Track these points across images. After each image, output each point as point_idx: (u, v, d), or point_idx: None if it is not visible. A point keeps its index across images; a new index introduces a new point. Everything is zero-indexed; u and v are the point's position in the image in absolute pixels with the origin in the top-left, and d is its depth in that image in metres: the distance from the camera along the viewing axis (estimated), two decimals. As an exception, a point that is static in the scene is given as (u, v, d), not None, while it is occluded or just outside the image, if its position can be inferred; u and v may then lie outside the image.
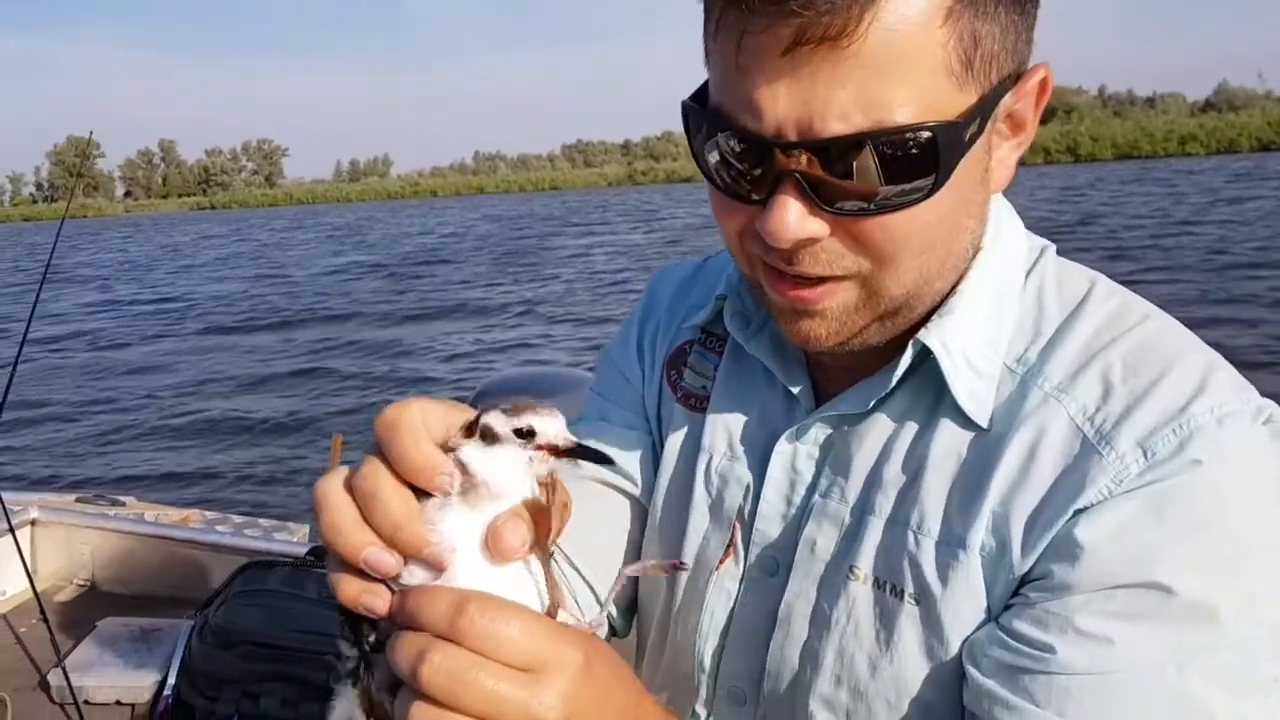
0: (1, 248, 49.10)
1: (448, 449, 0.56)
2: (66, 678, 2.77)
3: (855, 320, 0.74)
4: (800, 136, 0.64)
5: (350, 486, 0.56)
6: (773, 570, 0.84)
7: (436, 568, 0.55)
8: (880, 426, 0.81)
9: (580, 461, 0.61)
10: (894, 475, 0.78)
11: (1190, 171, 44.94)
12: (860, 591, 0.78)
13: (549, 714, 0.53)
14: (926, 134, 0.64)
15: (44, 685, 2.99)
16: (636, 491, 0.96)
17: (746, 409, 0.90)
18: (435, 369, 11.71)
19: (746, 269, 0.78)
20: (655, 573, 0.64)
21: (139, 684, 2.93)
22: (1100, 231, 20.86)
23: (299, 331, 15.07)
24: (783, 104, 0.64)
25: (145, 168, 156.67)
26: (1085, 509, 0.69)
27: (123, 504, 3.89)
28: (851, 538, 0.79)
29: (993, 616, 0.72)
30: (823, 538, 0.81)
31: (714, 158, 0.71)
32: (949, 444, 0.76)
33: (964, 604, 0.73)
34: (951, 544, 0.74)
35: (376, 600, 0.55)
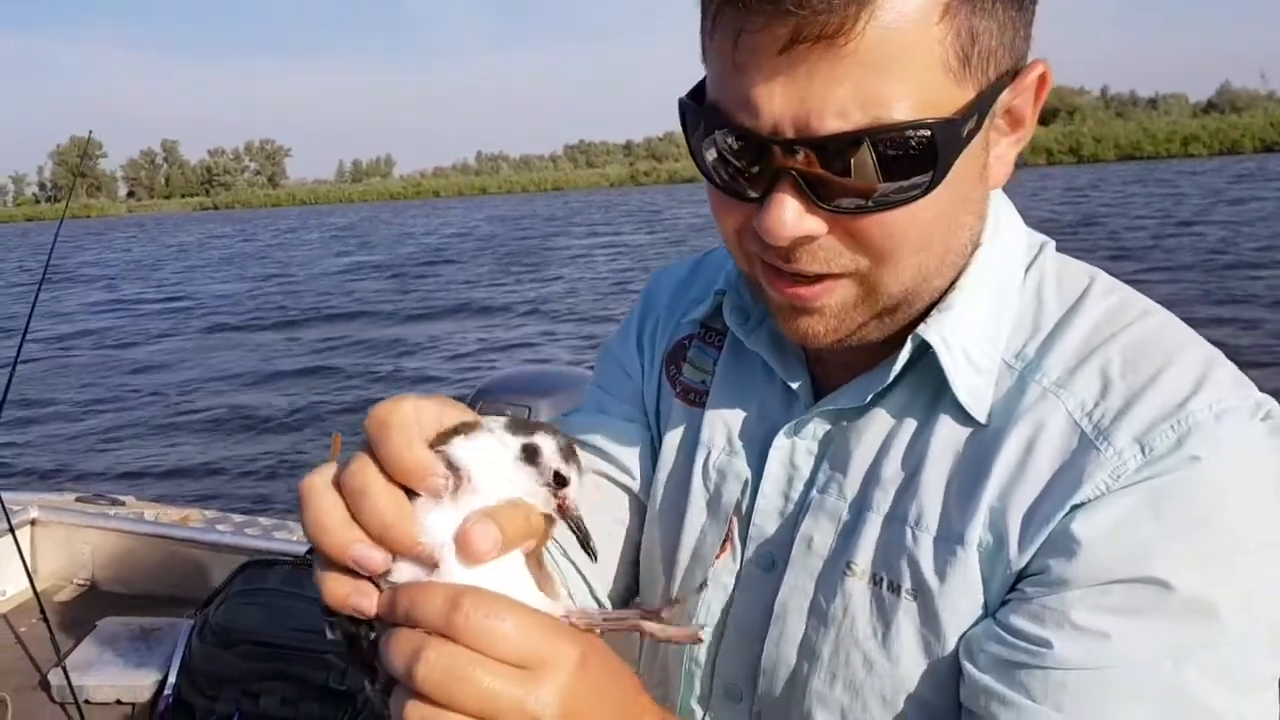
0: (7, 248, 49.10)
1: (437, 447, 0.56)
2: (67, 677, 2.77)
3: (854, 317, 0.74)
4: (797, 134, 0.64)
5: (338, 484, 0.55)
6: (768, 566, 0.84)
7: (428, 565, 0.55)
8: (879, 422, 0.80)
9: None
10: (892, 471, 0.78)
11: (1193, 172, 44.89)
12: (857, 587, 0.77)
13: (545, 711, 0.53)
14: (924, 131, 0.63)
15: (44, 685, 2.99)
16: (634, 486, 0.96)
17: (745, 404, 0.90)
18: (437, 368, 11.73)
19: (745, 266, 0.78)
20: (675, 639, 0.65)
21: (139, 683, 2.93)
22: (1102, 232, 20.86)
23: (302, 331, 15.09)
24: (779, 102, 0.64)
25: (148, 168, 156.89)
26: (1083, 504, 0.69)
27: (122, 503, 3.89)
28: (849, 533, 0.79)
29: (990, 612, 0.72)
30: (820, 533, 0.81)
31: (711, 155, 0.71)
32: (947, 439, 0.76)
33: (961, 600, 0.73)
34: (950, 540, 0.73)
35: (366, 600, 0.55)
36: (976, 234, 0.77)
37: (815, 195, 0.66)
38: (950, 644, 0.73)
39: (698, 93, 0.73)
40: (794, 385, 0.86)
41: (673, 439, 0.94)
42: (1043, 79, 0.71)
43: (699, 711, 0.89)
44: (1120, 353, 0.74)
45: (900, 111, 0.63)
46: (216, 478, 7.82)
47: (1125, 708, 0.66)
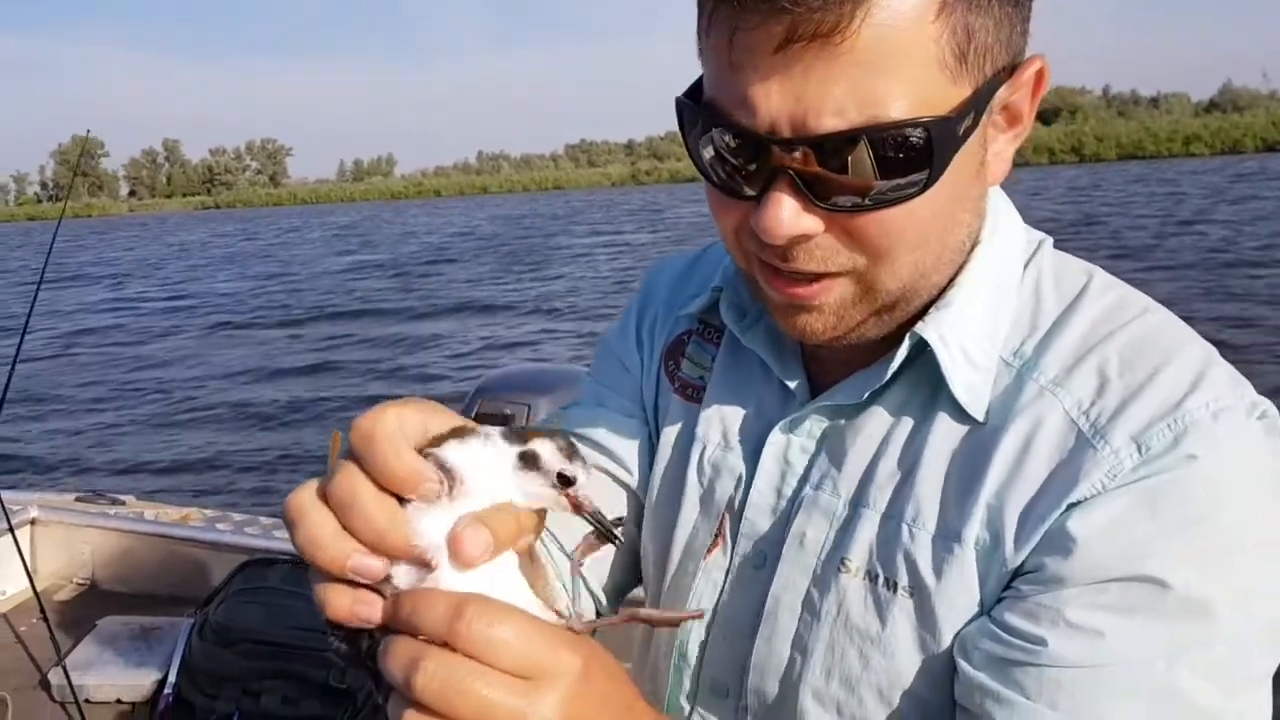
0: (9, 248, 49.16)
1: (424, 452, 0.55)
2: (67, 676, 2.77)
3: (852, 315, 0.74)
4: (794, 133, 0.64)
5: (325, 496, 0.55)
6: (760, 562, 0.84)
7: (425, 568, 0.54)
8: (876, 419, 0.80)
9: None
10: (889, 469, 0.78)
11: (1194, 172, 44.90)
12: (852, 584, 0.77)
13: None
14: (920, 129, 0.63)
15: (44, 684, 3.00)
16: (633, 481, 0.96)
17: (742, 400, 0.90)
18: (438, 366, 11.74)
19: (743, 264, 0.78)
20: (661, 623, 0.65)
21: (139, 682, 2.94)
22: (1104, 231, 20.86)
23: (303, 329, 15.11)
24: (776, 100, 0.63)
25: (149, 167, 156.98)
26: (1079, 503, 0.69)
27: (122, 502, 3.89)
28: (844, 531, 0.79)
29: (985, 610, 0.72)
30: (813, 530, 0.81)
31: (708, 153, 0.70)
32: (945, 437, 0.76)
33: (958, 598, 0.73)
34: (947, 538, 0.73)
35: (370, 609, 0.55)
36: (974, 231, 0.77)
37: (812, 194, 0.66)
38: (946, 641, 0.73)
39: (695, 91, 0.72)
40: (791, 383, 0.86)
41: (670, 434, 0.94)
42: (1040, 74, 0.71)
43: (686, 708, 0.89)
44: (1118, 351, 0.74)
45: (897, 110, 0.63)
46: (217, 476, 7.84)
47: (1119, 705, 0.66)
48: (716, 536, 0.87)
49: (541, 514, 0.60)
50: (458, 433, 0.57)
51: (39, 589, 3.03)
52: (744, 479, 0.86)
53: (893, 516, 0.77)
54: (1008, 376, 0.76)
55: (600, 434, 0.96)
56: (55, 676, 2.89)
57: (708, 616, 0.87)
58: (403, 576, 0.55)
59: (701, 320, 0.96)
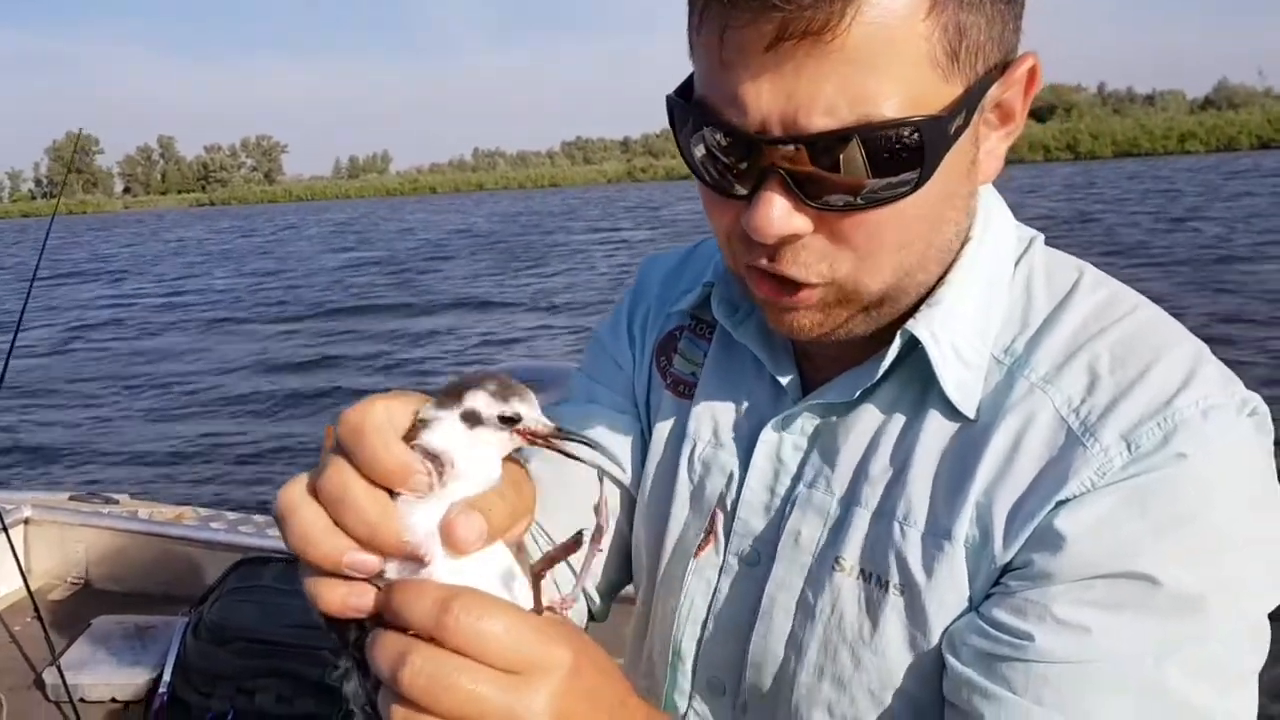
0: (6, 244, 48.98)
1: (410, 439, 0.55)
2: (61, 676, 2.77)
3: (837, 313, 0.74)
4: (784, 132, 0.64)
5: (315, 491, 0.54)
6: (754, 561, 0.84)
7: (418, 561, 0.54)
8: (867, 417, 0.80)
9: (562, 445, 0.59)
10: (881, 466, 0.78)
11: (1190, 169, 44.96)
12: (846, 583, 0.77)
13: (535, 719, 0.52)
14: (911, 128, 0.63)
15: (39, 684, 2.99)
16: (626, 478, 0.95)
17: (734, 397, 0.89)
18: (436, 362, 11.72)
19: (732, 263, 0.77)
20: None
21: (134, 681, 2.93)
22: (1099, 228, 20.89)
23: (300, 326, 15.06)
24: (766, 99, 0.63)
25: (144, 164, 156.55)
26: (1068, 500, 0.69)
27: (116, 502, 3.88)
28: (838, 529, 0.79)
29: (975, 607, 0.72)
30: (807, 528, 0.81)
31: (700, 152, 0.70)
32: (936, 435, 0.76)
33: (948, 595, 0.73)
34: (937, 535, 0.73)
35: (364, 599, 0.54)
36: (963, 229, 0.76)
37: (803, 193, 0.66)
38: (936, 639, 0.73)
39: (685, 89, 0.72)
40: (783, 379, 0.85)
41: (662, 431, 0.93)
42: (1033, 72, 0.70)
43: (681, 704, 0.89)
44: (1108, 348, 0.74)
45: (888, 108, 0.62)
46: (215, 470, 7.82)
47: (1106, 701, 0.66)
48: (708, 534, 0.87)
49: (531, 496, 0.59)
50: (422, 423, 0.56)
51: (33, 588, 3.02)
52: (736, 476, 0.86)
53: (884, 514, 0.77)
54: (998, 374, 0.76)
55: (592, 430, 0.95)
56: (50, 676, 2.89)
57: (702, 614, 0.87)
58: (396, 569, 0.54)
59: (693, 316, 0.96)
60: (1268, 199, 25.43)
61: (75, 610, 3.39)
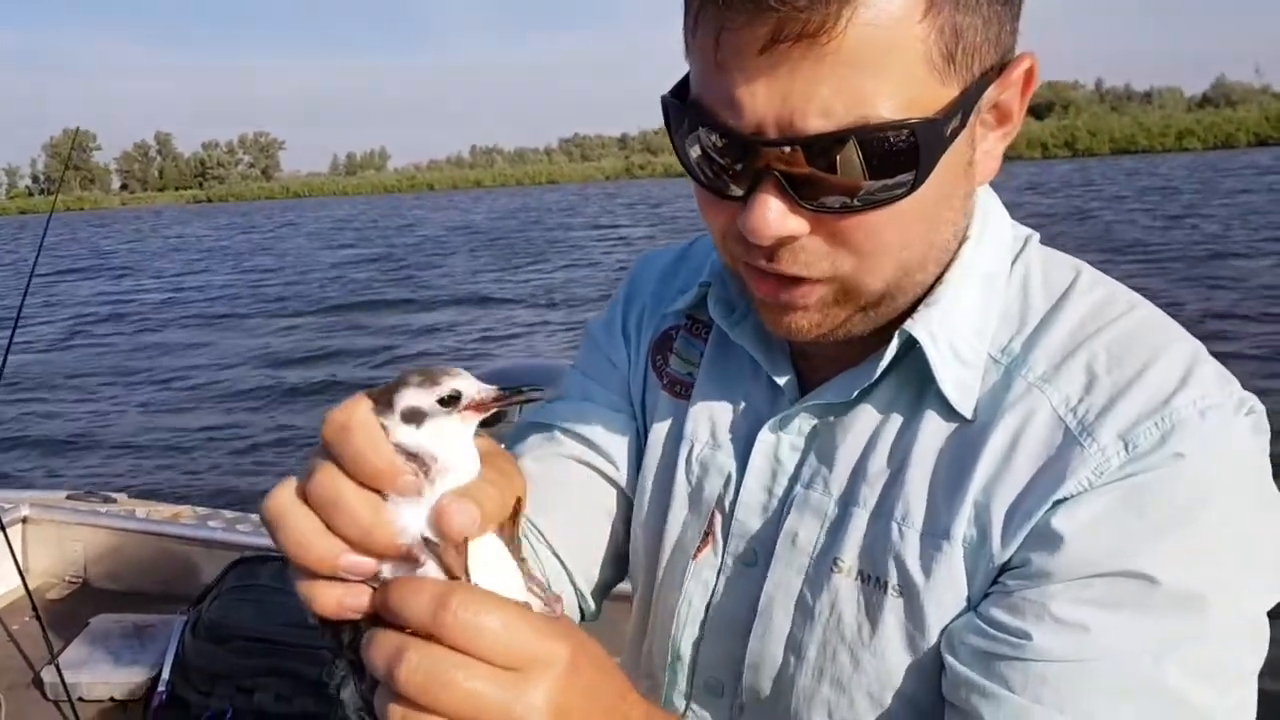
0: (3, 239, 48.88)
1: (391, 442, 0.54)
2: (60, 675, 2.77)
3: (836, 313, 0.74)
4: (780, 133, 0.64)
5: (304, 495, 0.54)
6: (752, 561, 0.84)
7: (413, 562, 0.54)
8: (865, 417, 0.80)
9: (520, 407, 0.58)
10: (879, 467, 0.78)
11: (1187, 166, 44.98)
12: (844, 584, 0.77)
13: (533, 715, 0.52)
14: (907, 131, 0.63)
15: (38, 683, 2.99)
16: (621, 478, 0.95)
17: (731, 397, 0.89)
18: (435, 359, 11.70)
19: (729, 262, 0.77)
20: None
21: (133, 680, 2.93)
22: (1097, 225, 20.90)
23: (298, 323, 15.03)
24: (762, 101, 0.63)
25: (141, 160, 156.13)
26: (1065, 500, 0.69)
27: (114, 500, 3.88)
28: (835, 530, 0.79)
29: (973, 606, 0.72)
30: (805, 529, 0.80)
31: (695, 153, 0.70)
32: (933, 435, 0.76)
33: (946, 595, 0.73)
34: (935, 535, 0.73)
35: (359, 600, 0.54)
36: (960, 229, 0.76)
37: (798, 195, 0.66)
38: (935, 639, 0.73)
39: (681, 89, 0.72)
40: (780, 379, 0.85)
41: (659, 431, 0.93)
42: (1030, 72, 0.70)
43: (680, 705, 0.89)
44: (1106, 348, 0.74)
45: (884, 110, 0.62)
46: (212, 468, 7.82)
47: (1105, 700, 0.66)
48: (706, 535, 0.87)
49: (522, 485, 0.59)
50: (405, 417, 0.55)
51: (31, 587, 3.02)
52: (733, 477, 0.86)
53: (882, 515, 0.77)
54: (996, 374, 0.76)
55: (587, 429, 0.95)
56: (48, 675, 2.89)
57: (700, 616, 0.87)
58: (391, 570, 0.54)
59: (689, 316, 0.95)
60: (1265, 196, 25.45)
61: (73, 609, 3.39)
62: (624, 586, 1.00)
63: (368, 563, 0.53)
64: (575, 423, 0.95)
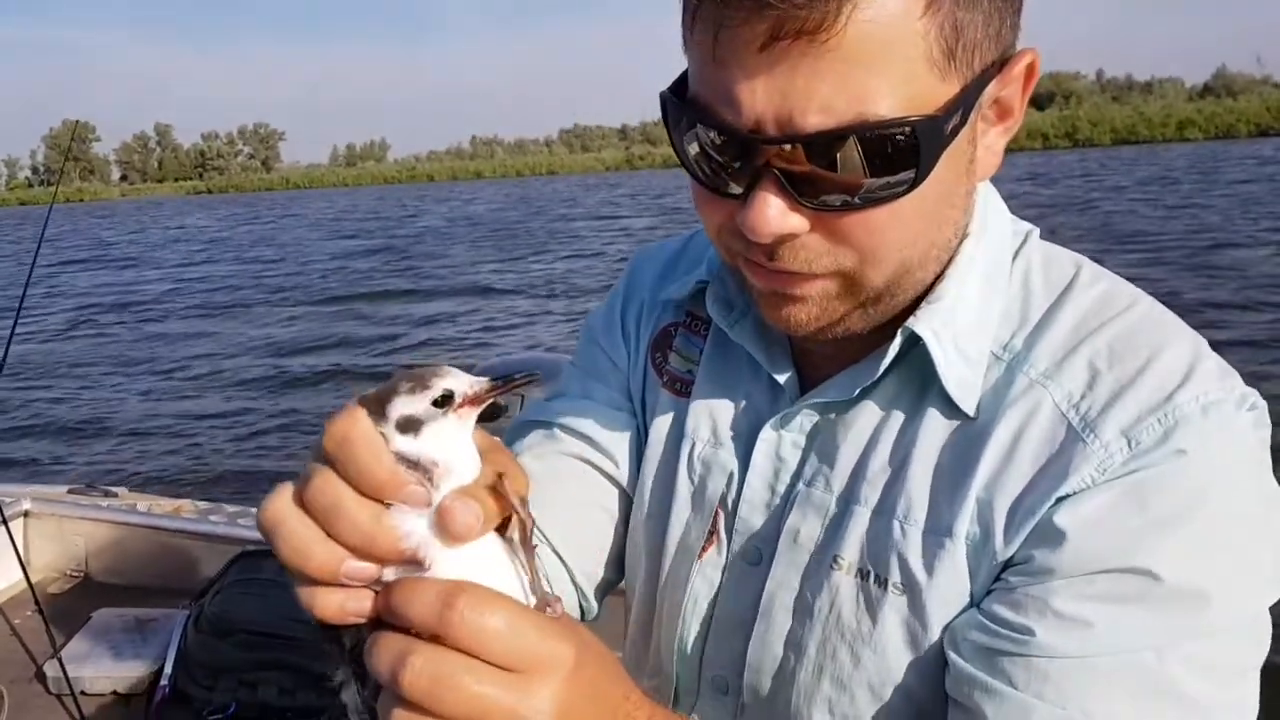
0: (3, 231, 48.85)
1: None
2: (63, 669, 2.77)
3: (836, 307, 0.73)
4: (779, 131, 0.63)
5: (301, 502, 0.53)
6: (755, 559, 0.84)
7: (416, 565, 0.54)
8: (867, 415, 0.80)
9: (523, 395, 0.58)
10: (880, 464, 0.78)
11: (1188, 157, 44.88)
12: (844, 582, 0.77)
13: (539, 718, 0.52)
14: (908, 128, 0.62)
15: (40, 676, 2.99)
16: (622, 477, 0.94)
17: (731, 395, 0.89)
18: (437, 352, 11.69)
19: (728, 259, 0.77)
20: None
21: (135, 674, 2.94)
22: (1098, 215, 20.87)
23: (299, 316, 15.00)
24: (761, 98, 0.62)
25: (141, 151, 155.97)
26: (1068, 496, 0.69)
27: (115, 495, 3.88)
28: (836, 527, 0.79)
29: (975, 603, 0.72)
30: (806, 527, 0.80)
31: (693, 150, 0.69)
32: (936, 432, 0.76)
33: (949, 592, 0.73)
34: (938, 533, 0.73)
35: (361, 604, 0.54)
36: (961, 226, 0.76)
37: (798, 192, 0.65)
38: (937, 637, 0.73)
39: (679, 85, 0.71)
40: (780, 377, 0.85)
41: (660, 429, 0.93)
42: (1031, 68, 0.70)
43: (687, 703, 0.89)
44: (1108, 344, 0.74)
45: (884, 108, 0.62)
46: (210, 468, 7.81)
47: (1108, 696, 0.66)
48: (711, 534, 0.86)
49: (525, 483, 0.58)
50: (401, 426, 0.54)
51: (33, 581, 3.03)
52: (736, 476, 0.86)
53: (884, 512, 0.76)
54: (998, 370, 0.76)
55: (588, 426, 0.94)
56: (51, 669, 2.89)
57: (704, 614, 0.87)
58: (393, 574, 0.54)
59: (689, 312, 0.95)
60: (1265, 186, 25.40)
61: (75, 603, 3.40)
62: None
63: (370, 568, 0.53)
64: (575, 420, 0.95)
